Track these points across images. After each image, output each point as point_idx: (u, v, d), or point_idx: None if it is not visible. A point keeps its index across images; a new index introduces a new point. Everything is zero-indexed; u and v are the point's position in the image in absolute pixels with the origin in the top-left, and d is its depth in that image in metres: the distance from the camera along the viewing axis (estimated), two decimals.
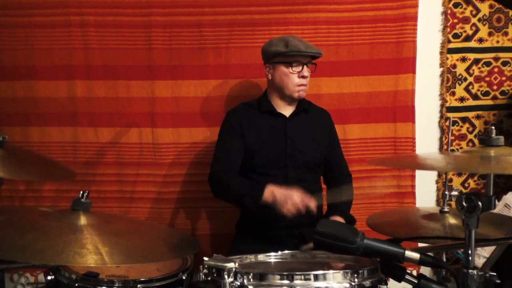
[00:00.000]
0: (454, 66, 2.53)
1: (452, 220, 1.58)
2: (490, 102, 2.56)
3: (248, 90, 2.43)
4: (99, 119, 2.47)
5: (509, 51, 2.53)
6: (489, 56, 2.54)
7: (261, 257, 1.49)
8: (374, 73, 2.47)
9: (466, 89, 2.55)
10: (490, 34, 2.53)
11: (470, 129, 2.57)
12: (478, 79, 2.55)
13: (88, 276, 1.38)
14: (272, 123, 2.01)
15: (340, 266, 1.44)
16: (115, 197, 2.48)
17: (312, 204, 1.73)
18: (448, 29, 2.51)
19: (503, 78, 2.55)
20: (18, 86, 2.46)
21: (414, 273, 2.01)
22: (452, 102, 2.55)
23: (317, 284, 1.17)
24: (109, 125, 2.47)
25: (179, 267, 1.51)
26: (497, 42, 2.53)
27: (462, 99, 2.56)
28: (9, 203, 2.45)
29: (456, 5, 2.51)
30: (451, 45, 2.52)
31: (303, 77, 1.94)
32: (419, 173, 2.51)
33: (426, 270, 2.45)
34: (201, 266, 1.26)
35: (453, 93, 2.55)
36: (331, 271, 1.20)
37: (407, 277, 1.14)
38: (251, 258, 1.47)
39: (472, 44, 2.53)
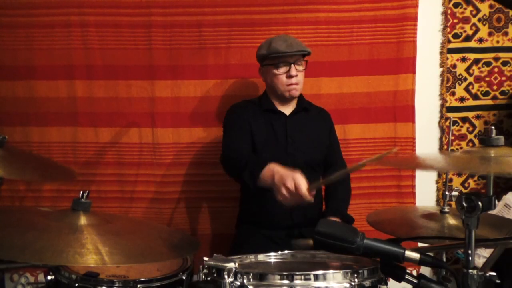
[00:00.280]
0: (454, 66, 2.53)
1: (452, 220, 1.58)
2: (490, 102, 2.56)
3: (248, 90, 2.43)
4: (99, 119, 2.47)
5: (509, 51, 2.54)
6: (489, 56, 2.54)
7: (261, 257, 1.49)
8: (374, 73, 2.47)
9: (466, 89, 2.55)
10: (490, 34, 2.53)
11: (470, 129, 2.57)
12: (478, 79, 2.55)
13: (88, 276, 1.38)
14: (273, 121, 2.02)
15: (339, 266, 1.44)
16: (115, 197, 2.48)
17: (303, 190, 1.52)
18: (448, 29, 2.51)
19: (503, 78, 2.55)
20: (18, 86, 2.46)
21: (414, 273, 2.01)
22: (452, 102, 2.55)
23: (317, 284, 1.17)
24: (109, 125, 2.47)
25: (179, 267, 1.51)
26: (497, 42, 2.53)
27: (462, 99, 2.56)
28: (9, 203, 2.45)
29: (456, 5, 2.51)
30: (451, 45, 2.52)
31: (291, 76, 1.94)
32: (419, 173, 2.51)
33: (426, 270, 2.45)
34: (201, 266, 1.26)
35: (453, 93, 2.55)
36: (331, 271, 1.19)
37: (407, 277, 1.14)
38: (251, 258, 1.47)
39: (472, 44, 2.53)
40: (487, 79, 2.55)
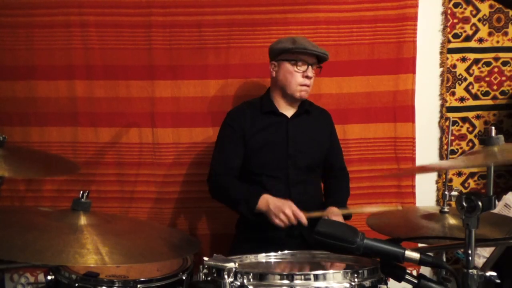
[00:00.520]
0: (454, 66, 2.53)
1: (452, 220, 1.58)
2: (490, 102, 2.56)
3: (248, 90, 2.43)
4: (99, 119, 2.47)
5: (509, 51, 2.53)
6: (489, 56, 2.54)
7: (261, 257, 1.49)
8: (374, 73, 2.47)
9: (466, 89, 2.55)
10: (490, 34, 2.53)
11: (470, 129, 2.57)
12: (478, 79, 2.55)
13: (88, 276, 1.38)
14: (273, 123, 2.01)
15: (340, 266, 1.44)
16: (115, 197, 2.48)
17: (303, 219, 1.76)
18: (448, 29, 2.51)
19: (503, 78, 2.55)
20: (18, 86, 2.46)
21: (414, 273, 2.01)
22: (452, 102, 2.55)
23: (317, 284, 1.17)
24: (109, 125, 2.47)
25: (179, 267, 1.51)
26: (497, 42, 2.53)
27: (462, 99, 2.56)
28: (9, 203, 2.45)
29: (456, 5, 2.51)
30: (451, 45, 2.52)
31: (307, 77, 1.94)
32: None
33: (426, 270, 2.45)
34: (201, 266, 1.26)
35: (453, 93, 2.55)
36: (331, 271, 1.20)
37: (407, 277, 1.14)
38: (251, 258, 1.48)
39: (472, 44, 2.53)
40: (487, 79, 2.55)
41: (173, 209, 2.49)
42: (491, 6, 2.51)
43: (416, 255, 1.09)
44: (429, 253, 1.13)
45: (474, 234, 1.08)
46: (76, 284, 1.37)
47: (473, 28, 2.52)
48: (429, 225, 1.57)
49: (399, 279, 1.14)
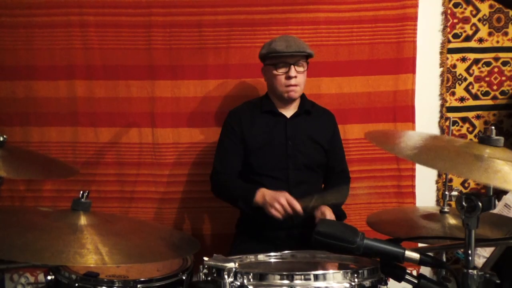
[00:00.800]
0: (454, 66, 2.53)
1: (452, 220, 1.58)
2: (490, 102, 2.56)
3: (248, 90, 2.43)
4: (99, 119, 2.47)
5: (509, 51, 2.53)
6: (489, 56, 2.54)
7: (261, 257, 1.49)
8: (374, 73, 2.47)
9: (466, 89, 2.55)
10: (490, 34, 2.53)
11: (470, 129, 2.57)
12: (478, 79, 2.55)
13: (88, 276, 1.38)
14: (272, 123, 2.01)
15: (339, 266, 1.44)
16: (115, 197, 2.48)
17: (298, 206, 1.74)
18: (448, 29, 2.51)
19: (503, 78, 2.55)
20: (18, 86, 2.46)
21: (414, 273, 2.01)
22: (452, 102, 2.55)
23: (317, 284, 1.17)
24: (109, 125, 2.47)
25: (179, 267, 1.51)
26: (497, 42, 2.53)
27: (462, 99, 2.56)
28: (9, 203, 2.45)
29: (456, 5, 2.51)
30: (451, 45, 2.52)
31: (290, 77, 1.93)
32: (419, 173, 2.50)
33: (426, 270, 2.45)
34: (201, 266, 1.26)
35: (453, 93, 2.55)
36: (331, 271, 1.20)
37: (407, 277, 1.14)
38: (251, 258, 1.48)
39: (472, 44, 2.53)
40: (487, 79, 2.55)
41: (173, 209, 2.49)
42: (491, 6, 2.50)
43: (416, 255, 1.09)
44: (429, 253, 1.14)
45: (474, 234, 1.08)
46: (76, 284, 1.37)
47: (473, 28, 2.52)
48: (429, 225, 1.57)
49: (399, 279, 1.14)
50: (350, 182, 2.16)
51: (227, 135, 2.05)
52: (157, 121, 2.46)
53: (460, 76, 2.54)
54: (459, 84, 2.55)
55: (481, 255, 2.05)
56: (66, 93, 2.46)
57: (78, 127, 2.47)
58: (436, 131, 2.56)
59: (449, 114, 2.53)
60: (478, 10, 2.51)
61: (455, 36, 2.52)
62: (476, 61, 2.54)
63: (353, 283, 1.18)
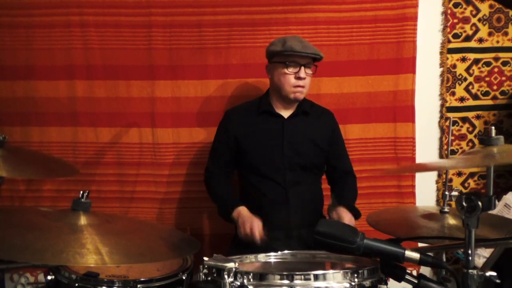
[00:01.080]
0: (454, 66, 2.53)
1: (452, 220, 1.58)
2: (490, 102, 2.56)
3: (248, 90, 2.43)
4: (99, 119, 2.46)
5: (509, 51, 2.53)
6: (489, 56, 2.54)
7: (261, 257, 1.49)
8: (374, 73, 2.47)
9: (466, 89, 2.55)
10: (490, 34, 2.53)
11: (470, 129, 2.57)
12: (478, 79, 2.55)
13: (88, 276, 1.38)
14: (269, 124, 2.01)
15: (339, 266, 1.44)
16: (115, 197, 2.48)
17: (257, 237, 1.76)
18: (448, 29, 2.51)
19: (503, 78, 2.55)
20: (18, 86, 2.46)
21: (414, 273, 2.01)
22: (452, 102, 2.55)
23: (317, 284, 1.17)
24: (109, 125, 2.47)
25: (179, 267, 1.51)
26: (497, 42, 2.53)
27: (462, 99, 2.55)
28: (9, 203, 2.45)
29: (456, 5, 2.50)
30: (451, 45, 2.52)
31: (299, 78, 1.92)
32: (419, 173, 2.50)
33: (426, 270, 2.45)
34: (201, 266, 1.26)
35: (453, 93, 2.55)
36: (331, 271, 1.20)
37: (407, 277, 1.14)
38: (251, 258, 1.48)
39: (472, 44, 2.53)
40: (487, 79, 2.55)
41: (173, 209, 2.49)
42: (491, 6, 2.50)
43: (416, 255, 1.09)
44: (429, 253, 1.14)
45: (474, 234, 1.08)
46: (76, 284, 1.37)
47: (473, 28, 2.52)
48: (429, 225, 1.57)
49: (399, 279, 1.15)
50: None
51: (218, 136, 2.09)
52: (157, 121, 2.46)
53: (460, 76, 2.54)
54: (459, 84, 2.55)
55: (481, 255, 2.05)
56: (66, 93, 2.46)
57: (78, 127, 2.47)
58: (436, 131, 2.56)
59: (449, 114, 2.53)
60: (478, 10, 2.51)
61: (455, 36, 2.52)
62: (476, 61, 2.54)
63: (353, 283, 1.18)
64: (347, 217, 1.80)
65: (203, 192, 2.37)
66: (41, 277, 2.48)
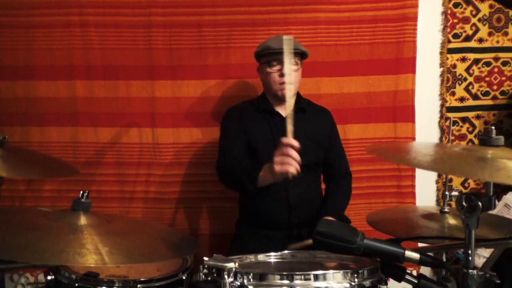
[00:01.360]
0: (454, 66, 2.53)
1: (452, 220, 1.58)
2: (490, 102, 2.56)
3: (248, 90, 2.43)
4: (99, 119, 2.47)
5: (509, 51, 2.53)
6: (489, 56, 2.54)
7: (261, 257, 1.49)
8: (374, 73, 2.47)
9: (466, 89, 2.55)
10: (490, 34, 2.53)
11: (470, 129, 2.57)
12: (478, 79, 2.55)
13: (88, 276, 1.38)
14: (269, 122, 2.02)
15: (339, 266, 1.44)
16: (115, 197, 2.48)
17: (285, 140, 1.62)
18: (448, 29, 2.51)
19: (503, 78, 2.55)
20: (18, 86, 2.46)
21: (414, 273, 2.01)
22: (452, 102, 2.55)
23: (317, 284, 1.17)
24: (109, 125, 2.47)
25: (179, 267, 1.51)
26: (497, 42, 2.53)
27: (462, 99, 2.56)
28: (9, 203, 2.45)
29: (456, 5, 2.51)
30: (451, 45, 2.52)
31: (283, 75, 1.92)
32: (419, 173, 2.50)
33: (426, 270, 2.45)
34: (201, 266, 1.26)
35: (453, 93, 2.55)
36: (331, 271, 1.20)
37: (407, 277, 1.14)
38: (251, 258, 1.47)
39: (472, 44, 2.53)
40: (487, 79, 2.55)
41: (173, 209, 2.49)
42: (491, 6, 2.51)
43: (416, 255, 1.09)
44: (429, 253, 1.14)
45: (474, 234, 1.08)
46: (76, 284, 1.37)
47: (473, 28, 2.52)
48: (429, 225, 1.57)
49: (399, 279, 1.14)
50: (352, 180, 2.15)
51: (230, 126, 2.04)
52: (157, 121, 2.46)
53: (460, 76, 2.54)
54: (459, 84, 2.55)
55: (481, 255, 2.05)
56: (66, 93, 2.46)
57: (78, 127, 2.47)
58: (436, 131, 2.56)
59: (449, 114, 2.53)
60: (478, 10, 2.51)
61: (455, 36, 2.52)
62: (476, 61, 2.54)
63: (353, 283, 1.17)
64: None
65: (203, 192, 2.38)
66: (41, 277, 2.48)
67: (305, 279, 1.17)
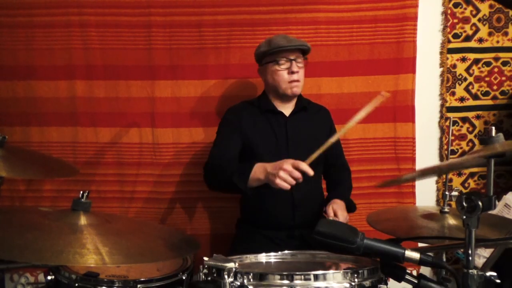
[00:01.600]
0: (454, 66, 2.53)
1: (452, 220, 1.58)
2: (490, 102, 2.56)
3: (248, 90, 2.43)
4: (99, 119, 2.47)
5: (509, 51, 2.53)
6: (489, 56, 2.54)
7: (261, 257, 1.49)
8: (374, 73, 2.47)
9: (466, 89, 2.55)
10: (490, 34, 2.53)
11: (470, 129, 2.57)
12: (478, 79, 2.55)
13: (88, 276, 1.38)
14: (272, 122, 2.01)
15: (339, 266, 1.44)
16: (115, 197, 2.48)
17: (305, 166, 1.62)
18: (448, 29, 2.51)
19: (503, 78, 2.55)
20: (18, 86, 2.46)
21: (414, 273, 2.01)
22: (452, 102, 2.55)
23: (317, 284, 1.17)
24: (109, 125, 2.47)
25: (179, 267, 1.51)
26: (497, 42, 2.53)
27: (462, 99, 2.56)
28: (9, 203, 2.45)
29: (456, 5, 2.51)
30: (451, 45, 2.52)
31: (293, 72, 1.93)
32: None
33: (426, 270, 2.45)
34: (201, 266, 1.26)
35: (453, 93, 2.55)
36: (331, 271, 1.20)
37: (407, 277, 1.14)
38: (251, 258, 1.48)
39: (472, 44, 2.53)
40: (487, 79, 2.55)
41: (173, 209, 2.49)
42: (491, 6, 2.50)
43: (416, 255, 1.09)
44: (429, 253, 1.14)
45: (474, 234, 1.08)
46: (76, 284, 1.37)
47: (473, 28, 2.52)
48: (429, 225, 1.57)
49: (399, 279, 1.15)
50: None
51: (225, 127, 2.03)
52: (157, 121, 2.46)
53: (460, 76, 2.54)
54: (459, 84, 2.55)
55: (481, 255, 2.05)
56: (66, 93, 2.46)
57: (78, 127, 2.47)
58: (436, 131, 2.56)
59: (449, 114, 2.53)
60: (478, 10, 2.51)
61: (455, 36, 2.52)
62: (476, 61, 2.54)
63: (353, 283, 1.18)
64: (342, 215, 1.81)
65: (203, 192, 2.37)
66: (41, 277, 2.48)
67: (305, 279, 1.18)
